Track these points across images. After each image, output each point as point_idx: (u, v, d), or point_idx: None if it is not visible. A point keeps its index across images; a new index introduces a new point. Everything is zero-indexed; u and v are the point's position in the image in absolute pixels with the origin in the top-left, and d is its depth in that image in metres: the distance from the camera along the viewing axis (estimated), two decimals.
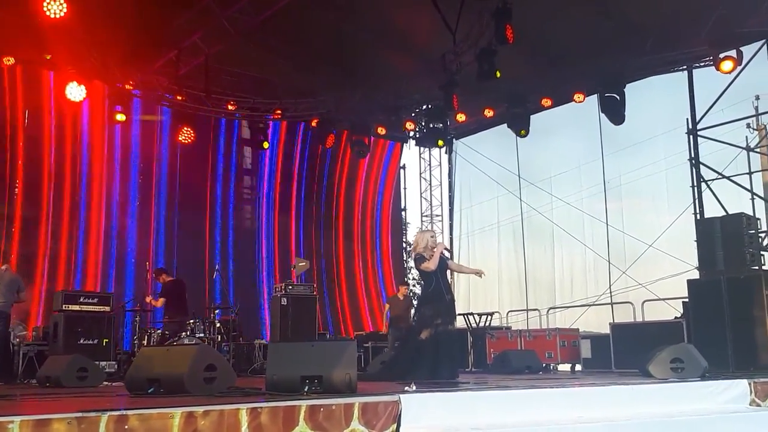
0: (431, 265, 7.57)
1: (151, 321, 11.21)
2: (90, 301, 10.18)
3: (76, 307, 10.00)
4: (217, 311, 11.06)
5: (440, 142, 15.77)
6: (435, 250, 7.64)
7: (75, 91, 11.07)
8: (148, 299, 10.89)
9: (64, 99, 11.47)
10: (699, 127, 12.26)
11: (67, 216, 12.85)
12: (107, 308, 10.28)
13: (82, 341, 9.78)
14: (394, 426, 4.40)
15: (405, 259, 19.63)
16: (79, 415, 3.40)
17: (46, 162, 12.76)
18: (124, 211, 13.49)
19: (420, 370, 7.04)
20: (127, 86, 12.31)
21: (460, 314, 13.97)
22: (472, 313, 13.33)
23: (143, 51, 11.70)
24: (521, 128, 13.89)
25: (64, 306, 9.92)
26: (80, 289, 11.87)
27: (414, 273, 22.10)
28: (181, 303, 11.10)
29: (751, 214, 11.03)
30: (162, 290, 10.96)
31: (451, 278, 17.37)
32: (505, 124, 14.33)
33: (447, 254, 8.02)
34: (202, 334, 10.34)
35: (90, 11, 9.66)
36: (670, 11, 11.17)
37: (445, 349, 7.50)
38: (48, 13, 8.92)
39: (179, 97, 12.79)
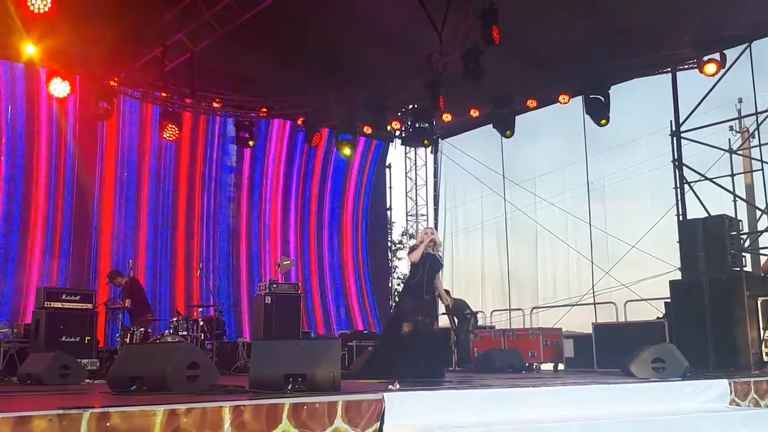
0: (412, 257, 7.77)
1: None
2: (72, 298, 10.09)
3: (59, 304, 9.91)
4: (200, 309, 11.02)
5: (426, 142, 15.81)
6: (421, 243, 7.75)
7: (59, 87, 10.98)
8: (127, 303, 10.71)
9: (48, 94, 11.38)
10: (682, 129, 12.35)
11: (50, 212, 12.72)
12: (90, 305, 10.21)
13: (64, 338, 9.69)
14: (378, 424, 4.41)
15: (390, 257, 19.66)
16: (61, 412, 3.39)
17: (33, 158, 12.64)
18: (108, 208, 13.39)
19: (403, 367, 7.06)
20: (112, 82, 12.23)
21: (443, 313, 14.04)
22: (451, 313, 13.36)
23: (128, 47, 11.64)
24: (506, 129, 13.95)
25: (46, 303, 9.84)
26: (63, 286, 11.76)
27: (399, 271, 22.20)
28: (145, 300, 11.07)
29: (733, 215, 11.13)
30: (124, 291, 10.81)
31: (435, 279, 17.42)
32: (491, 125, 14.39)
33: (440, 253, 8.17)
34: (185, 332, 10.30)
35: (75, 7, 9.60)
36: (655, 14, 11.25)
37: (428, 348, 7.53)
38: (32, 8, 8.84)
39: (164, 94, 12.73)
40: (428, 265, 7.74)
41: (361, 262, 16.94)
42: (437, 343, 8.03)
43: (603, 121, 12.60)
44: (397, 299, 8.59)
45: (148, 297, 11.64)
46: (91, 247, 13.06)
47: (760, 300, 9.56)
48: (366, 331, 14.35)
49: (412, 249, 7.92)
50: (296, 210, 16.06)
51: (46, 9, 8.87)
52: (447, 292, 9.64)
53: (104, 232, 13.26)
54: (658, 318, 11.12)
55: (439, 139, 17.38)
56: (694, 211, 11.85)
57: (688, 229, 10.66)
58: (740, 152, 13.19)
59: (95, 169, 13.29)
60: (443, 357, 8.46)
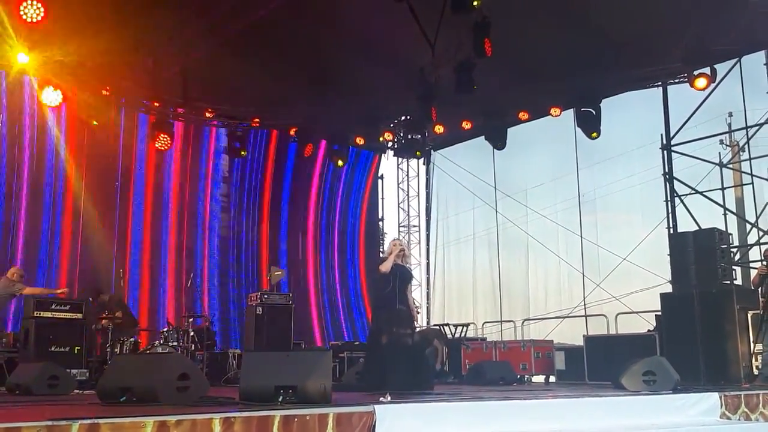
0: (383, 267, 7.64)
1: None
2: (62, 308, 10.02)
3: (48, 314, 9.83)
4: (191, 320, 10.97)
5: (418, 153, 15.84)
6: (390, 254, 7.69)
7: (51, 96, 10.95)
8: (118, 314, 10.72)
9: (40, 104, 11.36)
10: (673, 142, 12.42)
11: (42, 222, 12.67)
12: (79, 315, 10.15)
13: (53, 349, 9.62)
14: None
15: None
16: (50, 423, 3.37)
17: (22, 167, 12.59)
18: (100, 218, 13.33)
19: (389, 379, 7.00)
20: (104, 92, 12.21)
21: (436, 325, 14.03)
22: (447, 324, 13.37)
23: (121, 57, 11.62)
24: (498, 141, 14.01)
25: (35, 312, 9.76)
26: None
27: None
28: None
29: (724, 229, 11.19)
30: (111, 305, 10.90)
31: (427, 289, 17.45)
32: (483, 137, 14.44)
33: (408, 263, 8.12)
34: (175, 343, 10.25)
35: (67, 16, 9.59)
36: (646, 28, 11.33)
37: (408, 359, 7.46)
38: (25, 16, 8.84)
39: (156, 104, 12.71)
40: (399, 275, 7.68)
41: (357, 273, 16.92)
42: (417, 354, 7.93)
43: (594, 134, 12.65)
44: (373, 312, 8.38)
45: (137, 308, 11.63)
46: (81, 257, 12.98)
47: (750, 313, 9.59)
48: (358, 343, 14.30)
49: (382, 260, 7.86)
50: (289, 221, 16.04)
51: (39, 18, 8.87)
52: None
53: (94, 242, 13.19)
54: (648, 331, 11.14)
55: (432, 151, 17.42)
56: (685, 224, 11.92)
57: (678, 242, 10.69)
58: (730, 166, 13.29)
59: (84, 179, 13.23)
60: (427, 367, 8.33)
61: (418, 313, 8.27)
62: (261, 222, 15.59)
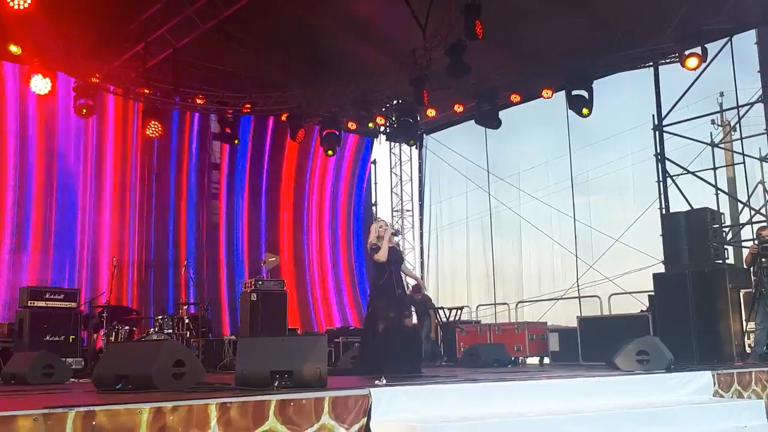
0: (381, 256, 7.51)
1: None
2: (56, 297, 10.01)
3: (42, 303, 9.84)
4: (186, 307, 10.98)
5: (411, 142, 15.85)
6: (383, 241, 7.57)
7: (40, 84, 10.89)
8: None
9: (29, 92, 11.28)
10: (665, 123, 12.43)
11: (34, 210, 12.62)
12: (74, 304, 10.14)
13: (48, 338, 9.62)
14: (365, 420, 4.42)
15: None
16: (46, 411, 3.37)
17: (10, 155, 12.52)
18: (92, 206, 13.29)
19: (386, 363, 7.02)
20: (93, 79, 12.12)
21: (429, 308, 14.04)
22: (442, 308, 13.39)
23: (110, 43, 11.55)
24: (490, 124, 13.98)
25: (29, 302, 9.76)
26: (46, 285, 11.66)
27: None
28: None
29: (716, 208, 11.22)
30: None
31: (422, 273, 17.47)
32: (474, 120, 14.43)
33: (398, 239, 8.04)
34: (170, 330, 10.26)
35: (55, 3, 9.52)
36: (637, 8, 11.31)
37: (401, 344, 7.46)
38: (12, 4, 8.77)
39: (146, 91, 12.64)
40: (392, 260, 7.63)
41: (352, 258, 16.93)
42: (410, 338, 7.92)
43: (585, 111, 12.60)
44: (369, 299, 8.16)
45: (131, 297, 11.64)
46: (78, 245, 12.95)
47: (742, 292, 9.64)
48: (353, 328, 14.34)
49: (375, 248, 7.54)
50: (282, 207, 16.01)
51: (26, 5, 8.80)
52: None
53: (87, 230, 13.16)
54: (642, 311, 11.19)
55: (424, 135, 17.39)
56: (677, 205, 11.95)
57: (671, 223, 10.73)
58: (722, 146, 13.30)
59: (75, 167, 13.17)
60: (418, 351, 8.32)
61: (425, 289, 8.15)
62: (254, 209, 15.55)
